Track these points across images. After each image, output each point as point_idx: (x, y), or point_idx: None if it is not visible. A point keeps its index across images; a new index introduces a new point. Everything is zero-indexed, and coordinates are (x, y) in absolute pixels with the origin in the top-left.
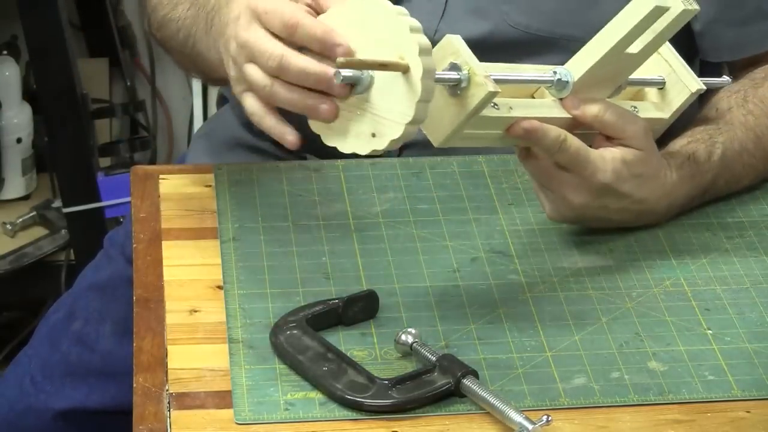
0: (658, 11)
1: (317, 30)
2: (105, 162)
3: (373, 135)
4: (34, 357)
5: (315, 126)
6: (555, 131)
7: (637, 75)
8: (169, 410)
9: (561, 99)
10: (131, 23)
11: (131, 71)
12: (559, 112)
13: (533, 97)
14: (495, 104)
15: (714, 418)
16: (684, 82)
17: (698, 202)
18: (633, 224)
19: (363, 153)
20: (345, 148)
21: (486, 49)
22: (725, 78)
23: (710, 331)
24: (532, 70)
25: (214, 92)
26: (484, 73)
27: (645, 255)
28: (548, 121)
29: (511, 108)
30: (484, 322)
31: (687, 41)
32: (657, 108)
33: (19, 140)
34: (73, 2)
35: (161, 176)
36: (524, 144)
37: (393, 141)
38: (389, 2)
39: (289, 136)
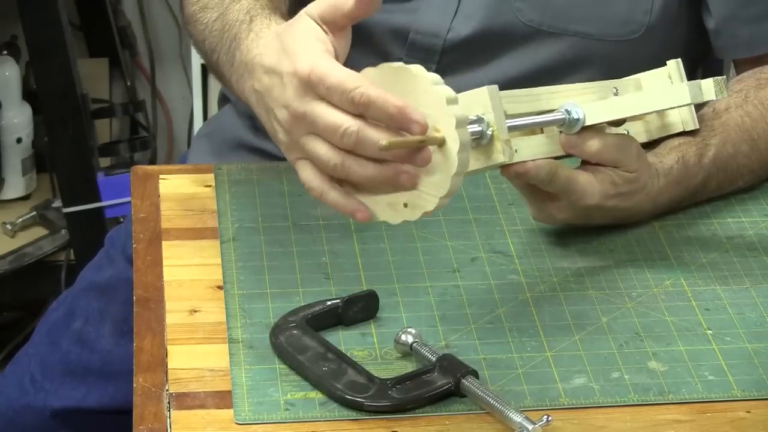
0: (690, 104)
1: (390, 108)
2: (105, 162)
3: (406, 205)
4: (34, 356)
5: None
6: (546, 168)
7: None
8: (169, 410)
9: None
10: (131, 23)
11: (131, 71)
12: (559, 150)
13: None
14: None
15: (714, 418)
16: (685, 121)
17: (688, 203)
18: (616, 223)
19: (394, 223)
20: (376, 216)
21: (497, 44)
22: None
23: (710, 331)
24: (546, 98)
25: (214, 92)
26: (506, 138)
27: (645, 255)
28: (552, 158)
29: (516, 151)
30: (484, 322)
31: (699, 40)
32: (650, 130)
33: (19, 140)
34: (73, 2)
35: (161, 176)
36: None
37: (426, 213)
38: (424, 70)
39: (359, 213)
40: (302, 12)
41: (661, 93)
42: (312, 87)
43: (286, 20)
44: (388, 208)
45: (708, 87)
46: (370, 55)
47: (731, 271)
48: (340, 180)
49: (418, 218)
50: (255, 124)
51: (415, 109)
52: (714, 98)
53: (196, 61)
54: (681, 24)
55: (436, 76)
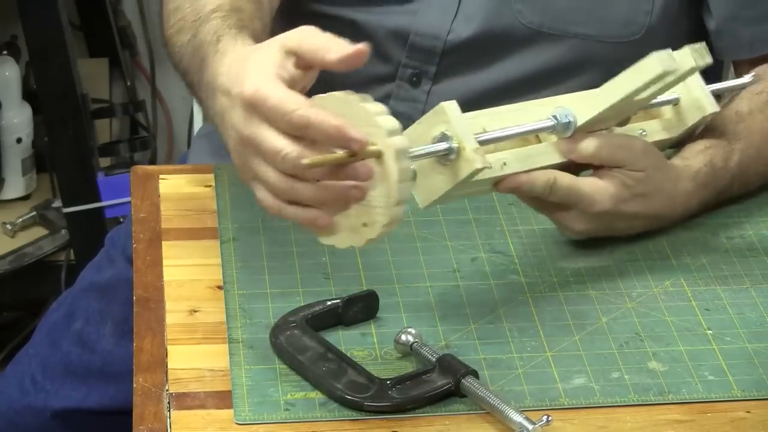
0: (666, 74)
1: (329, 128)
2: (105, 162)
3: (365, 225)
4: (34, 356)
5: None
6: (542, 178)
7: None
8: (169, 410)
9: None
10: (131, 23)
11: (131, 71)
12: (552, 158)
13: (536, 137)
14: (487, 164)
15: (714, 418)
16: (700, 103)
17: (712, 205)
18: (647, 230)
19: (359, 245)
20: (342, 244)
21: (498, 46)
22: (746, 78)
23: (710, 331)
24: (533, 110)
25: None
26: (474, 147)
27: (645, 255)
28: (547, 168)
29: (504, 164)
30: (484, 322)
31: (700, 41)
32: (669, 125)
33: (19, 140)
34: (73, 2)
35: (161, 176)
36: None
37: (384, 226)
38: (351, 92)
39: (320, 220)
40: (275, 38)
41: (632, 71)
42: (255, 109)
43: (261, 36)
44: (349, 233)
45: (684, 55)
46: (371, 58)
47: (731, 271)
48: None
49: (378, 235)
50: None
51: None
52: (695, 66)
53: None
54: (681, 25)
55: (365, 95)
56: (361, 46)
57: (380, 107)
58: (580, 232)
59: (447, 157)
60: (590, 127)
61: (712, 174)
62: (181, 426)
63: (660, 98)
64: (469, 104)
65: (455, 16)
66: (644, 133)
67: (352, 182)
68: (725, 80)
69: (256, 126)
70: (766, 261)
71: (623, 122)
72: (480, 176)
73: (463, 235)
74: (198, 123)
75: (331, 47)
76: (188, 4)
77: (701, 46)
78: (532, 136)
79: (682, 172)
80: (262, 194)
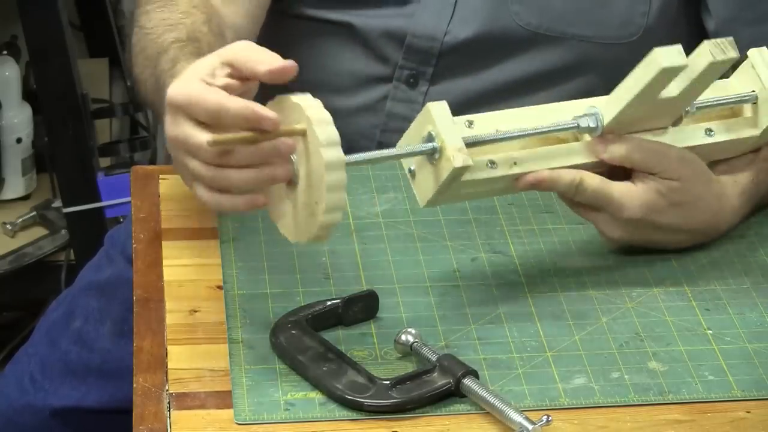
0: (672, 69)
1: (241, 110)
2: (105, 162)
3: (311, 215)
4: (33, 355)
5: (273, 216)
6: (568, 177)
7: (720, 94)
8: (169, 410)
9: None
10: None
11: (131, 71)
12: (582, 158)
13: (563, 140)
14: (492, 163)
15: (714, 418)
16: (765, 85)
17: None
18: (691, 245)
19: (304, 240)
20: (295, 238)
21: (495, 48)
22: None
23: (710, 331)
24: (553, 112)
25: None
26: (457, 146)
27: (645, 255)
28: (568, 167)
29: (515, 163)
30: (484, 322)
31: (699, 41)
32: (747, 124)
33: (19, 140)
34: (73, 2)
35: (161, 176)
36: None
37: (323, 215)
38: (298, 94)
39: (258, 200)
40: (215, 51)
41: (639, 68)
42: (177, 109)
43: None
44: (301, 225)
45: (702, 51)
46: (368, 59)
47: (731, 271)
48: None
49: (319, 227)
50: None
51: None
52: (714, 61)
53: None
54: (680, 25)
55: (314, 101)
56: (289, 63)
57: (313, 101)
58: (616, 240)
59: (433, 157)
60: (623, 125)
61: (755, 189)
62: (181, 426)
63: (733, 96)
64: (467, 105)
65: (451, 17)
66: (712, 132)
67: (277, 163)
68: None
69: (181, 125)
70: (766, 261)
71: (677, 121)
72: (485, 174)
73: (463, 235)
74: None
75: (263, 60)
76: (151, 43)
77: (725, 41)
78: (555, 137)
79: (728, 188)
80: (200, 191)
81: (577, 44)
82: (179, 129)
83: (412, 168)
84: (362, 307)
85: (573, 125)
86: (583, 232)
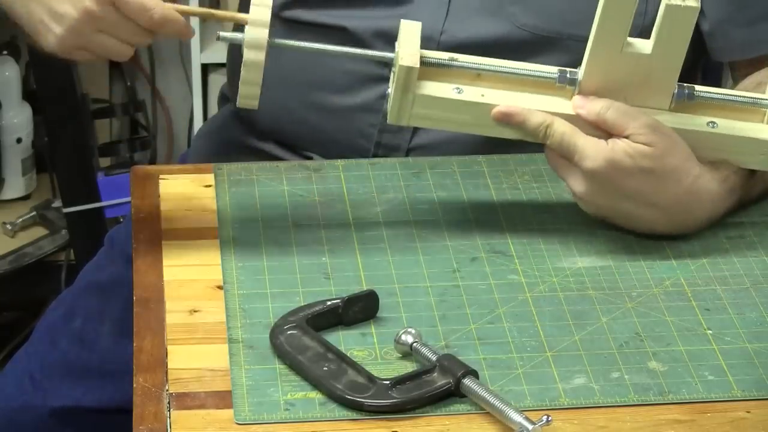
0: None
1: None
2: (105, 162)
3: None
4: (33, 355)
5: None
6: (539, 117)
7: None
8: (169, 410)
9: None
10: None
11: (131, 71)
12: (556, 108)
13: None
14: (459, 89)
15: (714, 418)
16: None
17: (734, 212)
18: (668, 232)
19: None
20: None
21: (494, 50)
22: None
23: (710, 331)
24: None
25: (214, 92)
26: (409, 51)
27: (645, 255)
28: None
29: (483, 95)
30: (484, 322)
31: (695, 42)
32: (760, 129)
33: (19, 140)
34: None
35: (161, 176)
36: (511, 130)
37: (241, 83)
38: None
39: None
40: None
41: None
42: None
43: None
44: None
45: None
46: (364, 60)
47: (731, 271)
48: None
49: (241, 90)
50: (255, 125)
51: None
52: (669, 3)
53: (196, 61)
54: None
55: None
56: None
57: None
58: (580, 196)
59: (393, 68)
60: (602, 84)
61: (741, 181)
62: (181, 426)
63: (743, 96)
64: None
65: (445, 18)
66: (714, 124)
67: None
68: (725, 81)
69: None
70: (766, 261)
71: (678, 104)
72: (448, 94)
73: (463, 235)
74: (198, 123)
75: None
76: None
77: None
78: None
79: (707, 172)
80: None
81: (575, 45)
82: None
83: (389, 91)
84: (362, 307)
85: (552, 74)
86: (583, 232)
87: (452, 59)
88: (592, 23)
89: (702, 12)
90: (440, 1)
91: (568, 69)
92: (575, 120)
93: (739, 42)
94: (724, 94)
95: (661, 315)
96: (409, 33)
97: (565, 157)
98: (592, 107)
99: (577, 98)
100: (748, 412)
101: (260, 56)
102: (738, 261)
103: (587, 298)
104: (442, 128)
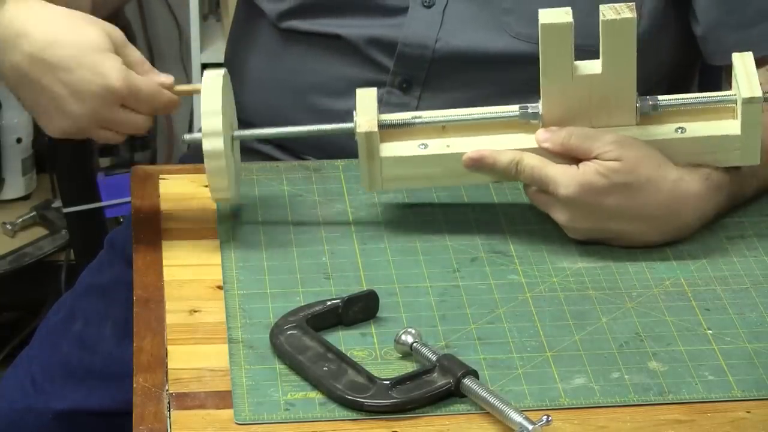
0: (549, 30)
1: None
2: (105, 162)
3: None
4: (34, 358)
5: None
6: (509, 155)
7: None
8: (169, 410)
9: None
10: (131, 23)
11: None
12: (522, 146)
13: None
14: (424, 145)
15: (714, 418)
16: (739, 89)
17: (728, 209)
18: (662, 241)
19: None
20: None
21: (489, 60)
22: None
23: (710, 331)
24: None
25: None
26: (366, 118)
27: (645, 255)
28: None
29: (448, 146)
30: (484, 322)
31: (690, 47)
32: (728, 126)
33: (19, 140)
34: None
35: (161, 176)
36: (484, 174)
37: (211, 191)
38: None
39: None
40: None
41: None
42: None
43: None
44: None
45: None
46: (360, 65)
47: (731, 271)
48: None
49: (213, 196)
50: (252, 128)
51: None
52: (604, 19)
53: (196, 61)
54: (670, 32)
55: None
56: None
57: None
58: (565, 225)
59: (354, 134)
60: (563, 113)
61: (724, 178)
62: (181, 426)
63: (704, 96)
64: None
65: (440, 27)
66: (683, 130)
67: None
68: (723, 84)
69: (117, 111)
70: (766, 261)
71: (646, 119)
72: (414, 152)
73: (463, 235)
74: (198, 123)
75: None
76: None
77: (623, 5)
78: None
79: (687, 174)
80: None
81: None
82: (116, 114)
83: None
84: (362, 307)
85: (514, 112)
86: None
87: (415, 117)
88: (585, 30)
89: (695, 17)
90: (434, 9)
91: (528, 105)
92: (545, 152)
93: (732, 45)
94: (688, 99)
95: (661, 315)
96: (366, 99)
97: (541, 189)
98: (555, 138)
99: (540, 132)
100: (748, 412)
101: (221, 163)
102: (738, 261)
103: (587, 298)
104: (417, 186)
